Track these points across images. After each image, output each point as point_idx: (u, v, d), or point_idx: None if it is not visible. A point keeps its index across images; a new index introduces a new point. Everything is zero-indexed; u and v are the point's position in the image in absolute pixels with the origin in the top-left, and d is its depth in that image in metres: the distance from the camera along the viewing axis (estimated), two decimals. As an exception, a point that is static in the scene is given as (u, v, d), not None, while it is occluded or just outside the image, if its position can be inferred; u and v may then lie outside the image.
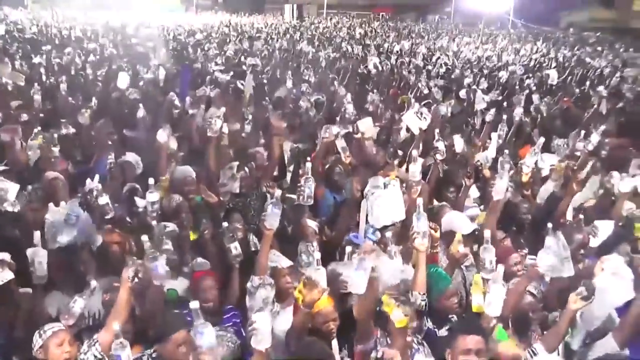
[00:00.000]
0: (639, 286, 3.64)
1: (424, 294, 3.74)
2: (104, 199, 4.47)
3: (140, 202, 4.78)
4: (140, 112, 6.95)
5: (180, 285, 4.31)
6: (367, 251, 3.58)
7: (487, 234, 3.72)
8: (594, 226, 4.68)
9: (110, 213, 4.51)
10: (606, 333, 3.65)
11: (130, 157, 5.81)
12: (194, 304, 2.88)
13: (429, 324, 3.82)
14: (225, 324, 3.94)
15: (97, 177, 4.65)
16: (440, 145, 5.62)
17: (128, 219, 4.97)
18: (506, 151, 5.64)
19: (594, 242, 4.65)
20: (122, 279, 3.30)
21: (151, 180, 4.42)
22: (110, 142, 6.20)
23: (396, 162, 6.39)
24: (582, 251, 4.61)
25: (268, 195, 5.45)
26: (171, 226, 4.45)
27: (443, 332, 3.76)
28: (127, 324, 3.33)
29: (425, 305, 3.74)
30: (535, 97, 9.34)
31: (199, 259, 4.51)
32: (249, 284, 3.75)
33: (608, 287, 3.43)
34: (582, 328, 3.74)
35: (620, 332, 3.55)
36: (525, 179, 5.24)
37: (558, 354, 3.63)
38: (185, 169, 5.51)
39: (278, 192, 5.05)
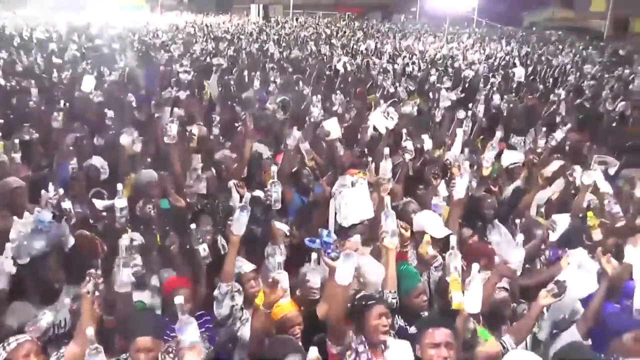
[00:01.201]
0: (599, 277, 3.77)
1: (394, 292, 3.76)
2: (67, 204, 4.39)
3: (98, 204, 4.70)
4: (110, 114, 6.87)
5: (147, 296, 4.22)
6: (351, 247, 3.60)
7: (453, 240, 3.75)
8: (552, 221, 4.78)
9: (74, 218, 4.43)
10: (571, 324, 3.75)
11: (96, 160, 5.72)
12: (179, 299, 2.82)
13: (400, 321, 3.83)
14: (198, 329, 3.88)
15: (52, 187, 4.53)
16: (409, 144, 5.67)
17: (94, 223, 4.89)
18: (466, 149, 5.71)
19: (553, 236, 4.75)
20: (82, 294, 3.18)
21: (119, 186, 4.32)
22: (72, 148, 6.09)
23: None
24: (543, 246, 4.70)
25: (237, 196, 5.45)
26: (138, 239, 4.38)
27: (414, 329, 3.72)
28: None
29: (396, 302, 3.76)
30: (496, 98, 9.48)
31: (167, 271, 4.44)
32: (216, 292, 3.72)
33: (574, 280, 3.52)
34: (548, 319, 3.82)
35: (584, 324, 3.65)
36: (485, 173, 5.31)
37: (525, 345, 3.71)
38: (148, 173, 5.45)
39: (248, 195, 5.09)
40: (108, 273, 3.39)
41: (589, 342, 3.64)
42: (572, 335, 3.64)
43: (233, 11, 39.98)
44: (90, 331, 2.76)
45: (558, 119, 8.39)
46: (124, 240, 3.36)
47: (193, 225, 4.22)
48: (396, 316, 3.81)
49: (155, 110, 7.20)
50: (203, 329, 3.86)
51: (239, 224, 3.66)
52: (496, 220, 4.08)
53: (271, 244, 4.14)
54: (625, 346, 3.49)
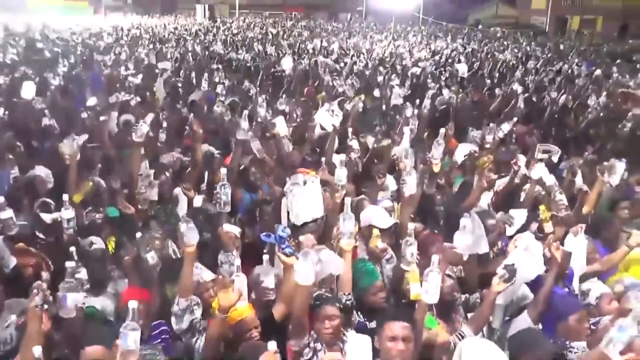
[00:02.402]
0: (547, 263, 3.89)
1: (349, 293, 3.76)
2: (7, 213, 4.20)
3: (46, 218, 4.56)
4: (46, 121, 6.66)
5: (101, 303, 4.07)
6: (309, 245, 3.59)
7: (410, 228, 3.80)
8: (510, 216, 4.89)
9: (15, 228, 4.25)
10: (522, 310, 3.85)
11: (40, 170, 5.55)
12: (133, 304, 2.75)
13: (359, 317, 3.84)
14: (154, 340, 3.75)
15: None
16: (354, 143, 5.69)
17: (43, 235, 4.72)
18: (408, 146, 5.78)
19: (510, 231, 4.86)
20: (30, 308, 3.05)
21: (65, 196, 4.19)
22: (11, 156, 5.89)
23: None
24: (499, 242, 4.81)
25: (184, 199, 5.37)
26: (98, 242, 4.28)
27: (373, 324, 3.74)
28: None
29: (352, 303, 3.76)
30: (445, 92, 9.63)
31: (122, 280, 4.32)
32: (175, 307, 3.62)
33: (521, 262, 3.60)
34: (500, 306, 3.90)
35: (534, 310, 3.76)
36: (436, 169, 5.40)
37: (482, 335, 3.77)
38: (93, 179, 5.33)
39: (198, 199, 5.02)
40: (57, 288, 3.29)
41: (540, 326, 3.75)
42: (523, 321, 3.74)
43: (178, 12, 39.54)
44: (37, 350, 2.67)
45: (514, 113, 8.63)
46: (69, 264, 3.26)
47: (139, 234, 4.10)
48: (355, 312, 3.83)
49: (100, 115, 7.03)
50: (159, 340, 3.79)
51: (190, 234, 3.55)
52: (472, 211, 4.16)
53: (223, 250, 4.08)
54: (571, 328, 3.64)
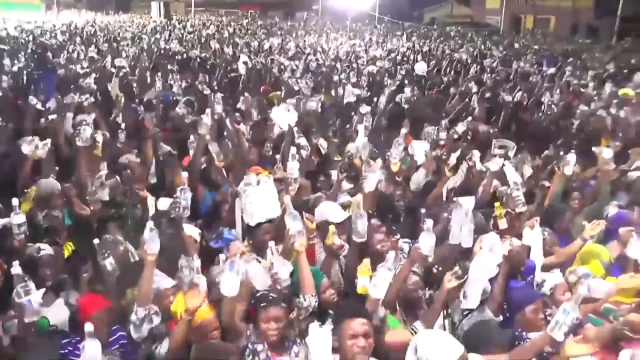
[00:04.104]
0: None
1: (314, 295, 3.70)
2: None
3: None
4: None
5: (53, 312, 3.94)
6: (235, 253, 3.55)
7: (357, 200, 3.78)
8: (458, 203, 4.96)
9: None
10: (482, 304, 3.85)
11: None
12: (89, 327, 2.74)
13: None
14: (112, 346, 3.67)
15: None
16: (302, 141, 5.70)
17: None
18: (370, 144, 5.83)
19: None
20: None
21: (15, 201, 4.04)
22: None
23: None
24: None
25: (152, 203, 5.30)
26: (47, 248, 4.16)
27: (329, 324, 3.72)
28: None
29: (317, 303, 3.71)
30: (407, 90, 9.72)
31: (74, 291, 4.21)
32: (133, 317, 3.53)
33: (485, 262, 3.65)
34: (463, 304, 3.95)
35: (492, 301, 3.81)
36: (395, 169, 5.43)
37: (444, 328, 3.82)
38: (50, 182, 5.20)
39: (165, 200, 4.94)
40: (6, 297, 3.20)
41: (501, 318, 3.81)
42: (483, 313, 3.78)
43: (133, 9, 38.91)
44: None
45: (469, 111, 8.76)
46: (15, 269, 3.16)
47: (96, 241, 3.97)
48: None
49: (54, 114, 6.87)
50: (117, 345, 3.72)
51: (152, 242, 3.47)
52: (458, 199, 4.19)
53: (184, 255, 4.01)
54: (527, 319, 3.72)
